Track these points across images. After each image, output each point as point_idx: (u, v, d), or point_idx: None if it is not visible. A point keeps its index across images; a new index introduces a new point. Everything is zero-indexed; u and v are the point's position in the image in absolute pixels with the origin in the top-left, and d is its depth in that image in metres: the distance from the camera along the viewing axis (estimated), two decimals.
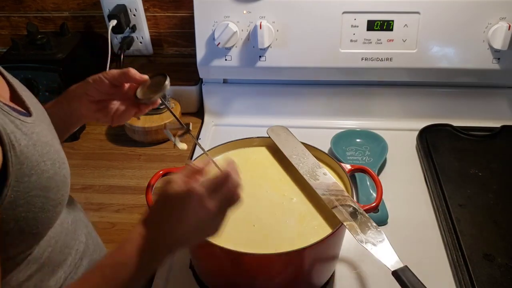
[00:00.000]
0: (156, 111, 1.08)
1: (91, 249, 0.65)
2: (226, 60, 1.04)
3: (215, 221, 0.54)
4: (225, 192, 0.54)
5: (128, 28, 1.15)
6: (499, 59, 1.00)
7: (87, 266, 0.64)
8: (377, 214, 0.84)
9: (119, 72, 0.65)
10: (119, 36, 1.17)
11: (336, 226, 0.65)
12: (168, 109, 0.68)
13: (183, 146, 0.68)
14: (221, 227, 0.55)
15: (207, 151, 0.78)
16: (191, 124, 0.68)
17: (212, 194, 0.53)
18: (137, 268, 0.51)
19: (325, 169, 0.75)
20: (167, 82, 0.63)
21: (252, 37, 1.00)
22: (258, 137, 0.82)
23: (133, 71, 0.65)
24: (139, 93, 0.66)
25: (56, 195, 0.52)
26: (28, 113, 0.53)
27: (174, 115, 0.68)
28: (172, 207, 0.53)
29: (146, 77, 0.66)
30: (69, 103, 0.67)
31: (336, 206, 0.67)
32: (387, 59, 1.01)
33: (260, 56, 1.03)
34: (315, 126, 1.09)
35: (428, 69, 1.03)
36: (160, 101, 0.67)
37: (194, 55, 1.06)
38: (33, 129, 0.50)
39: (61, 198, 0.53)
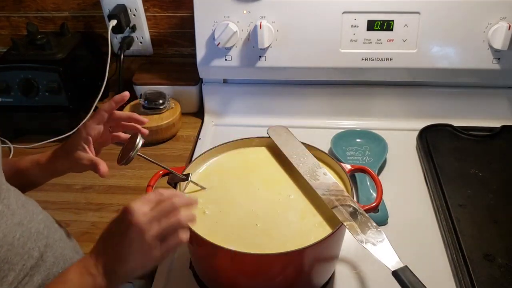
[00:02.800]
0: (156, 111, 1.08)
1: (48, 264, 0.61)
2: (226, 60, 1.04)
3: (154, 252, 0.54)
4: (169, 224, 0.55)
5: (128, 28, 1.15)
6: (499, 59, 1.00)
7: (41, 282, 0.60)
8: (377, 214, 0.84)
9: (126, 113, 0.74)
10: (119, 36, 1.17)
11: (336, 226, 0.65)
12: (157, 164, 0.71)
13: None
14: (164, 256, 0.55)
15: (205, 152, 0.79)
16: (191, 174, 0.73)
17: (154, 224, 0.54)
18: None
19: (325, 169, 0.75)
20: (139, 139, 0.68)
21: (252, 37, 1.00)
22: (257, 137, 0.82)
23: (135, 116, 0.74)
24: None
25: None
26: None
27: (169, 169, 0.72)
28: (113, 240, 0.55)
29: (145, 120, 0.74)
30: (65, 158, 0.71)
31: (336, 206, 0.67)
32: (387, 59, 1.01)
33: (260, 56, 1.03)
34: (315, 126, 1.09)
35: (428, 69, 1.03)
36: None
37: (194, 55, 1.06)
38: None
39: None
